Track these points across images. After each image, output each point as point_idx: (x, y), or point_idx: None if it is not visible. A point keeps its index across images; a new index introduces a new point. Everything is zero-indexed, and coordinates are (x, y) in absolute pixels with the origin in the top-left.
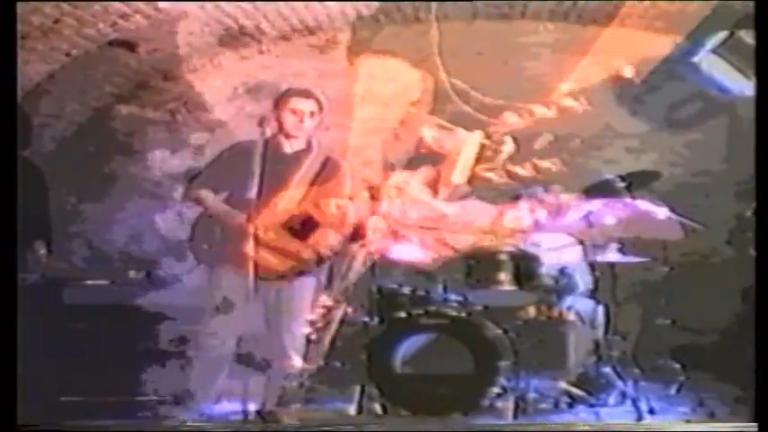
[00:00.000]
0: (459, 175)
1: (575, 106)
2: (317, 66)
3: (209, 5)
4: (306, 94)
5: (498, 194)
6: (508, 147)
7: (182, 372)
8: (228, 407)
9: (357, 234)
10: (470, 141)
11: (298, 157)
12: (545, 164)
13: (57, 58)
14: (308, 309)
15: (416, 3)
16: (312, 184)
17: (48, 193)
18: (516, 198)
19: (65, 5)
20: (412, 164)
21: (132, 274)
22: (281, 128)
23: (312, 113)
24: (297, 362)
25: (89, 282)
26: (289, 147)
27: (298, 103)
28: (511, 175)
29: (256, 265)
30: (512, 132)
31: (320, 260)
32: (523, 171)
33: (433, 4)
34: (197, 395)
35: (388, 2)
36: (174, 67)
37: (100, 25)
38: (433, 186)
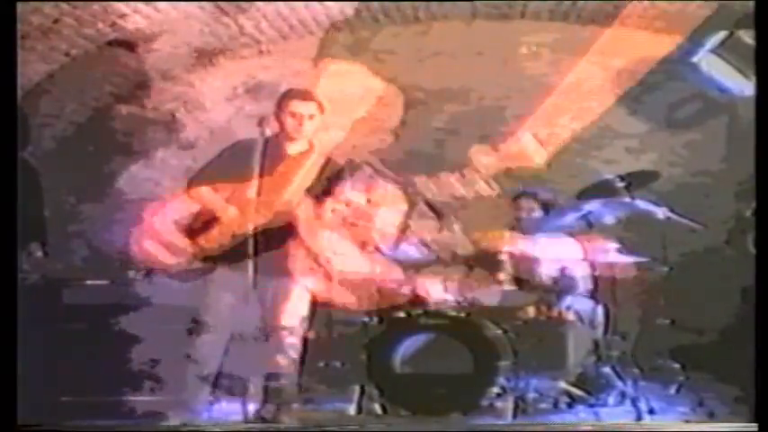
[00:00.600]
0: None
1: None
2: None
3: (208, 5)
4: (305, 95)
5: None
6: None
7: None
8: (228, 408)
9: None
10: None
11: (299, 157)
12: None
13: (56, 57)
14: (303, 309)
15: (416, 3)
16: (314, 184)
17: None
18: (516, 198)
19: (64, 5)
20: None
21: (132, 274)
22: (282, 128)
23: (311, 116)
24: (293, 362)
25: (89, 282)
26: (290, 148)
27: (297, 106)
28: None
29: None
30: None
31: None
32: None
33: (433, 4)
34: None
35: (388, 2)
36: (173, 67)
37: (99, 25)
38: None
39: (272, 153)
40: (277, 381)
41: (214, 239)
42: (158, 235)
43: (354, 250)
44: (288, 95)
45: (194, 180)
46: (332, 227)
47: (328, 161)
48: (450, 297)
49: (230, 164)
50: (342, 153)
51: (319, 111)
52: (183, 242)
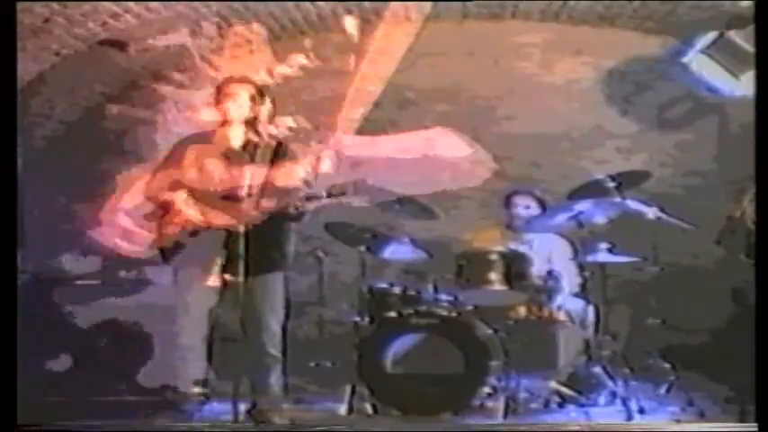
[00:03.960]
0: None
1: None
2: (307, 66)
3: (199, 5)
4: (243, 80)
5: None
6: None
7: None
8: (219, 407)
9: None
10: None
11: (249, 147)
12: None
13: (47, 57)
14: (282, 303)
15: (407, 3)
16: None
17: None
18: (511, 195)
19: (55, 5)
20: None
21: (122, 273)
22: (224, 117)
23: (252, 97)
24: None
25: (79, 282)
26: (238, 138)
27: (236, 88)
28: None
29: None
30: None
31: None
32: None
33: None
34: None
35: (380, 2)
36: (164, 67)
37: (90, 25)
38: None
39: (221, 146)
40: (264, 379)
41: (171, 224)
42: (116, 224)
43: None
44: (226, 81)
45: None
46: None
47: (279, 146)
48: (441, 296)
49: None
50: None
51: (258, 94)
52: (139, 230)
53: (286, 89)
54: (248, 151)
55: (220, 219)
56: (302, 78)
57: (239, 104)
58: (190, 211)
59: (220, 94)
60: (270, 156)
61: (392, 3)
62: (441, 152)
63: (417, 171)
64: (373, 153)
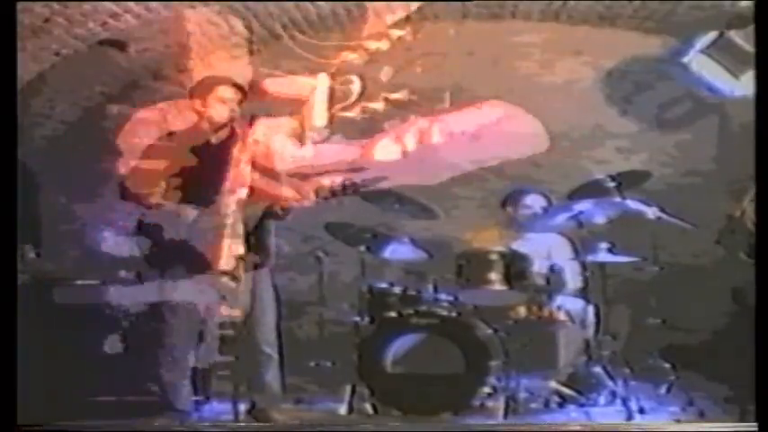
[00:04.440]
0: (319, 119)
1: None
2: (306, 65)
3: (199, 5)
4: (228, 81)
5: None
6: (356, 85)
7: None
8: (219, 407)
9: None
10: (320, 85)
11: (224, 145)
12: (395, 95)
13: (47, 57)
14: (273, 300)
15: (407, 3)
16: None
17: (38, 193)
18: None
19: (55, 5)
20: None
21: (123, 273)
22: (201, 117)
23: (240, 101)
24: (272, 356)
25: (79, 282)
26: (214, 137)
27: (224, 91)
28: (366, 110)
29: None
30: (354, 71)
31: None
32: (377, 105)
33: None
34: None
35: (379, 2)
36: (164, 67)
37: (90, 25)
38: (298, 135)
39: (198, 143)
40: (259, 377)
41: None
42: None
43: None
44: (211, 83)
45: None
46: None
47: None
48: (441, 296)
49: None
50: None
51: (242, 95)
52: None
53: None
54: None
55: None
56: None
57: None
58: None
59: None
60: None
61: None
62: (502, 125)
63: (483, 144)
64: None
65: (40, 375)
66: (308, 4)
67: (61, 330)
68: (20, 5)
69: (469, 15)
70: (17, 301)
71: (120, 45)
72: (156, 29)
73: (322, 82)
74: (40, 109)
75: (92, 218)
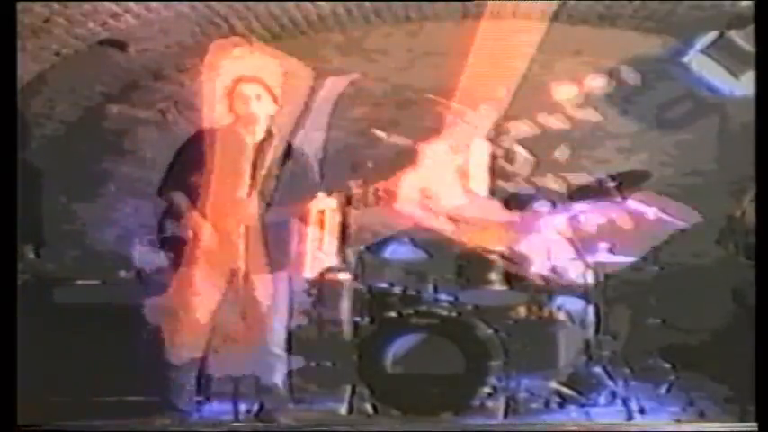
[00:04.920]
0: (478, 186)
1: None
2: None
3: (199, 5)
4: (249, 79)
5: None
6: (521, 158)
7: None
8: (219, 407)
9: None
10: (478, 150)
11: (260, 146)
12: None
13: (47, 57)
14: (286, 303)
15: (407, 2)
16: (279, 172)
17: (39, 193)
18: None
19: (55, 5)
20: None
21: (123, 273)
22: (237, 118)
23: (258, 96)
24: (281, 358)
25: (80, 281)
26: (250, 138)
27: (242, 87)
28: (538, 187)
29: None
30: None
31: None
32: (554, 185)
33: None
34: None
35: (379, 1)
36: (164, 67)
37: (90, 24)
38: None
39: (232, 144)
40: (268, 378)
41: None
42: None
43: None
44: (234, 81)
45: (163, 187)
46: None
47: (290, 149)
48: (441, 296)
49: (191, 162)
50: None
51: (267, 92)
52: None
53: None
54: (258, 149)
55: None
56: None
57: (243, 101)
58: None
59: (230, 94)
60: (280, 156)
61: None
62: None
63: None
64: None
65: (40, 375)
66: (308, 4)
67: (61, 330)
68: (20, 5)
69: (470, 15)
70: (17, 301)
71: (120, 45)
72: (156, 29)
73: (483, 149)
74: (40, 109)
75: (92, 218)
